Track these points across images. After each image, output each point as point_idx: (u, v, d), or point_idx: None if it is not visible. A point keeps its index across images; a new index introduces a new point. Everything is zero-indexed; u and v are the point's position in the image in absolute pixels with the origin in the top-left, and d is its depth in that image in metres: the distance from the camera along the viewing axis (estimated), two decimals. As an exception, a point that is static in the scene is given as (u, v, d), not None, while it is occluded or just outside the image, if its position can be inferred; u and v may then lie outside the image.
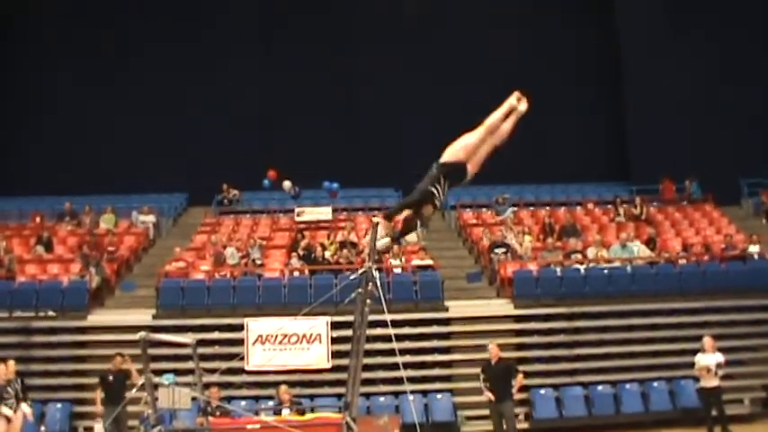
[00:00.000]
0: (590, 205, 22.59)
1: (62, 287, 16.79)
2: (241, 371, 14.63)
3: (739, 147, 22.77)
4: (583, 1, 25.87)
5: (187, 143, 24.03)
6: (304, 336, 15.00)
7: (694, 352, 14.08)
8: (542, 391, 15.44)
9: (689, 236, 20.13)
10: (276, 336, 14.99)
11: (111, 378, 13.21)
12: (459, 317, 16.44)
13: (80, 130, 24.05)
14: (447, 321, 16.46)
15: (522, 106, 6.84)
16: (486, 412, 13.74)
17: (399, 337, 13.38)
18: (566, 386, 15.57)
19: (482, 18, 24.81)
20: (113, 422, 12.26)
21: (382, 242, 6.66)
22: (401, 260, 17.86)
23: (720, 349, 13.93)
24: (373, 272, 6.48)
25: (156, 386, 8.63)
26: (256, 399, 14.84)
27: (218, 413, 12.28)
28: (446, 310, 16.54)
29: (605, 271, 17.26)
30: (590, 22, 25.35)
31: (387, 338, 8.08)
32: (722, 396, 13.85)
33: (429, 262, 17.89)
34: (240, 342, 15.05)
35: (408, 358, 15.20)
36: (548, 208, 22.01)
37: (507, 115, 6.85)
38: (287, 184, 20.98)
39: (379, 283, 6.49)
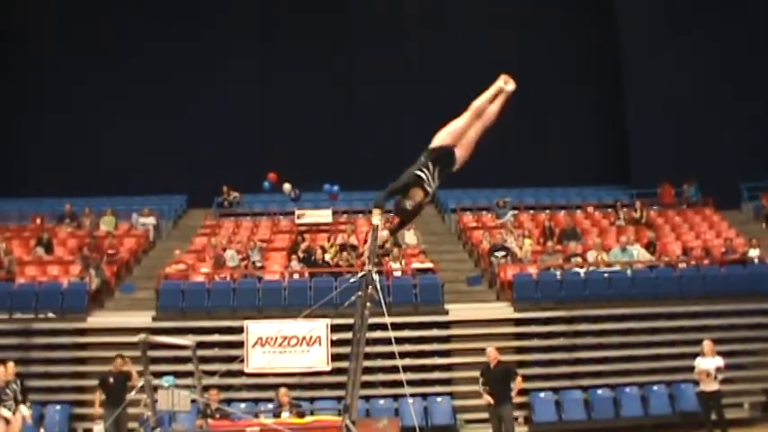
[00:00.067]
0: (590, 209, 22.58)
1: (62, 289, 16.80)
2: (241, 373, 14.63)
3: (739, 150, 22.72)
4: (583, 1, 25.87)
5: (187, 145, 24.04)
6: (304, 338, 15.00)
7: (694, 356, 14.07)
8: (542, 395, 15.42)
9: (689, 239, 20.13)
10: (276, 338, 14.99)
11: (111, 380, 13.18)
12: (458, 320, 16.43)
13: (80, 131, 24.06)
14: (447, 324, 16.44)
15: (510, 86, 6.86)
16: (485, 416, 13.71)
17: (399, 341, 13.46)
18: (565, 389, 15.55)
19: (482, 18, 24.81)
20: (114, 424, 12.26)
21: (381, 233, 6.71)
22: (401, 263, 17.86)
23: (720, 353, 13.93)
24: (373, 275, 6.48)
25: (155, 388, 8.64)
26: (256, 401, 14.83)
27: (217, 415, 12.28)
28: (446, 313, 16.52)
29: (605, 274, 17.24)
30: (590, 23, 25.34)
31: (387, 341, 8.07)
32: (722, 400, 13.83)
33: (429, 265, 17.88)
34: (240, 344, 15.03)
35: (408, 361, 15.17)
36: (548, 211, 21.98)
37: (495, 97, 6.86)
38: (287, 186, 20.99)
39: (379, 286, 6.48)
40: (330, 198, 21.96)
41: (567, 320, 16.39)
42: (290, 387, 14.07)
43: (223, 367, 11.86)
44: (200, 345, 12.27)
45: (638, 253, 18.23)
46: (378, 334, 10.19)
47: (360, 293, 6.53)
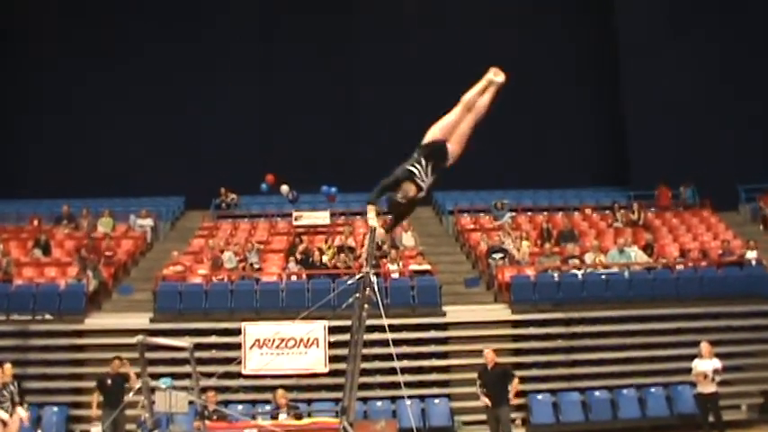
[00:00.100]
0: (588, 210, 22.57)
1: (59, 290, 16.77)
2: (238, 375, 14.60)
3: (738, 151, 22.68)
4: (582, 1, 25.87)
5: (187, 145, 24.03)
6: (301, 340, 15.00)
7: (691, 358, 14.08)
8: (539, 397, 15.43)
9: (686, 241, 20.14)
10: (273, 340, 14.99)
11: (109, 381, 13.17)
12: (456, 322, 16.43)
13: (78, 132, 24.04)
14: (444, 326, 16.44)
15: (499, 78, 6.89)
16: (483, 417, 13.71)
17: (397, 342, 13.45)
18: (563, 391, 15.56)
19: (482, 18, 24.79)
20: (111, 425, 12.25)
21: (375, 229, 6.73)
22: (399, 265, 17.86)
23: (718, 355, 13.93)
24: (371, 276, 6.49)
25: (153, 390, 8.64)
26: (253, 403, 14.82)
27: (214, 417, 12.29)
28: (443, 315, 16.52)
29: (603, 276, 17.26)
30: (589, 23, 25.32)
31: (384, 343, 8.07)
32: (719, 402, 13.84)
33: (427, 267, 17.88)
34: (237, 346, 15.03)
35: (406, 363, 15.15)
36: (545, 213, 21.96)
37: (485, 90, 6.89)
38: (284, 188, 20.99)
39: (376, 288, 6.49)
40: (328, 200, 21.95)
41: (565, 322, 16.39)
42: (288, 389, 14.06)
43: (220, 369, 11.85)
44: (198, 346, 12.28)
45: (636, 255, 18.25)
46: (375, 336, 10.11)
47: (357, 295, 6.54)
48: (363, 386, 13.10)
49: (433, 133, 6.79)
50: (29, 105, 24.46)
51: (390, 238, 18.74)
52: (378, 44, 24.95)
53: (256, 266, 18.31)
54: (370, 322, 6.56)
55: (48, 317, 16.28)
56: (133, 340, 8.57)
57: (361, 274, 6.58)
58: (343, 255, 18.05)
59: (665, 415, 15.21)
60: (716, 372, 13.62)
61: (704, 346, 13.87)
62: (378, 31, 25.19)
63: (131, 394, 11.39)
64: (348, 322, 6.71)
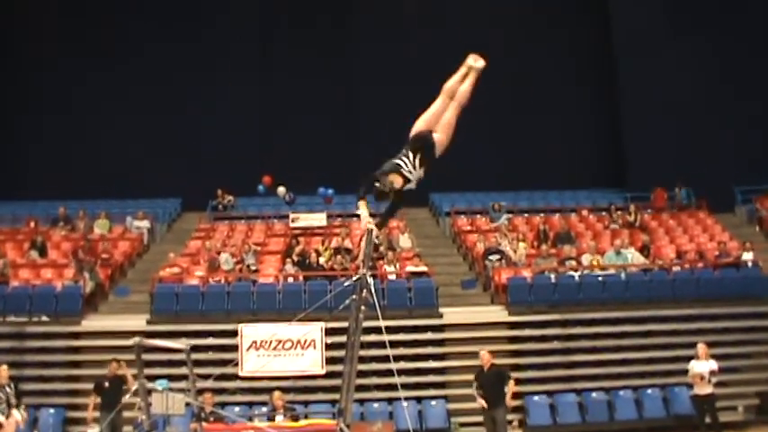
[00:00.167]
0: (584, 212, 22.58)
1: (56, 292, 16.74)
2: (235, 377, 14.59)
3: (737, 152, 22.60)
4: (582, 1, 25.85)
5: (187, 145, 23.99)
6: (298, 342, 14.99)
7: (688, 359, 14.11)
8: (536, 398, 15.43)
9: (683, 243, 20.16)
10: (270, 342, 14.98)
11: (106, 384, 13.16)
12: (453, 323, 16.43)
13: (76, 133, 23.98)
14: (441, 328, 16.44)
15: (479, 64, 6.93)
16: (479, 419, 13.73)
17: (393, 344, 13.45)
18: (559, 393, 15.55)
19: (482, 18, 24.78)
20: (109, 427, 12.23)
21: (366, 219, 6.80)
22: (396, 267, 17.86)
23: (714, 356, 13.98)
24: (368, 278, 6.50)
25: (149, 392, 8.62)
26: (250, 405, 14.83)
27: (211, 419, 12.27)
28: (440, 316, 16.52)
29: (599, 278, 17.28)
30: (588, 23, 25.27)
31: (381, 345, 8.08)
32: (716, 403, 13.89)
33: (423, 269, 17.88)
34: (234, 348, 15.03)
35: (402, 365, 15.12)
36: (542, 215, 22.02)
37: (465, 77, 6.93)
38: (281, 190, 20.98)
39: (373, 290, 6.50)
40: (324, 201, 21.94)
41: (562, 324, 16.41)
42: (285, 390, 14.08)
43: (217, 371, 11.83)
44: (195, 348, 12.22)
45: (633, 256, 18.27)
46: (372, 337, 10.14)
47: (354, 297, 6.55)
48: (360, 388, 13.03)
49: (418, 126, 6.88)
50: (29, 105, 24.43)
51: (387, 239, 18.75)
52: (378, 44, 24.92)
53: (253, 268, 18.30)
54: (366, 324, 6.57)
55: (44, 319, 16.26)
56: (130, 342, 8.54)
57: (357, 276, 6.59)
58: (339, 256, 18.05)
59: (662, 416, 15.22)
60: (712, 373, 13.66)
61: (701, 348, 13.91)
62: (378, 31, 25.18)
63: (127, 396, 11.36)
64: (345, 324, 6.72)
